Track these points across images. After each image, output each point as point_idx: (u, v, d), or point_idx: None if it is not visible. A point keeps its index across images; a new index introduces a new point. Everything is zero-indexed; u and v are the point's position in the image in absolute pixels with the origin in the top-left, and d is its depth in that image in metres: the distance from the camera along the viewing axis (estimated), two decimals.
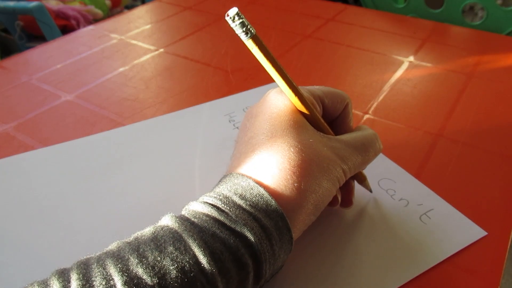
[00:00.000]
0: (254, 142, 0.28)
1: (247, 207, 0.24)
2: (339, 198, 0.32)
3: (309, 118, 0.29)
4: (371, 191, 0.36)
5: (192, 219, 0.24)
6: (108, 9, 1.48)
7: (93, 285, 0.20)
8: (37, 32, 1.25)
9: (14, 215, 0.35)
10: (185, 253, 0.22)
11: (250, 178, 0.26)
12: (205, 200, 0.25)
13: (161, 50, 0.61)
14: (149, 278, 0.21)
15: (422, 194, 0.37)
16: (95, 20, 1.38)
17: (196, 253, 0.22)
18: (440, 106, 0.49)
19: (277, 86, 0.28)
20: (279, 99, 0.29)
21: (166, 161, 0.40)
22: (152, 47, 0.62)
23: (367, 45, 0.62)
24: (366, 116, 0.47)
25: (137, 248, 0.22)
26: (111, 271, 0.21)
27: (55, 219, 0.35)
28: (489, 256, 0.31)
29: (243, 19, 0.25)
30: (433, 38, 0.64)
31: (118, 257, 0.22)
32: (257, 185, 0.25)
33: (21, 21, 1.27)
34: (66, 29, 1.28)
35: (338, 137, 0.30)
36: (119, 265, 0.21)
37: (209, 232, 0.23)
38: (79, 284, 0.20)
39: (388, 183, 0.38)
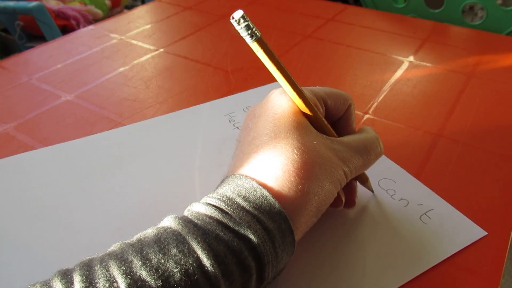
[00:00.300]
0: (257, 142, 0.27)
1: (251, 209, 0.24)
2: (343, 199, 0.32)
3: (312, 120, 0.29)
4: (373, 191, 0.36)
5: (195, 221, 0.24)
6: (108, 9, 1.48)
7: (97, 287, 0.20)
8: (37, 32, 1.25)
9: (14, 215, 0.35)
10: (188, 255, 0.22)
11: (253, 179, 0.26)
12: (208, 202, 0.25)
13: (161, 50, 0.61)
14: (153, 280, 0.21)
15: (422, 194, 0.37)
16: (95, 20, 1.38)
17: (200, 256, 0.22)
18: (440, 106, 0.49)
19: (278, 85, 0.28)
20: (282, 100, 0.29)
21: (166, 161, 0.40)
22: (152, 47, 0.62)
23: (367, 45, 0.62)
24: (366, 116, 0.47)
25: (141, 250, 0.22)
26: (114, 273, 0.21)
27: (55, 219, 0.35)
28: (489, 256, 0.31)
29: (248, 22, 0.25)
30: (433, 38, 0.64)
31: (121, 259, 0.21)
32: (260, 187, 0.25)
33: (21, 21, 1.27)
34: (66, 29, 1.28)
35: (340, 139, 0.29)
36: (122, 267, 0.21)
37: (212, 234, 0.23)
38: (82, 286, 0.20)
39: (388, 183, 0.38)
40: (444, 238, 0.33)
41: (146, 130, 0.45)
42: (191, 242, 0.22)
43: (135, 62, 0.58)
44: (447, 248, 0.32)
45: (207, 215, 0.24)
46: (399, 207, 0.35)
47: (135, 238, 0.24)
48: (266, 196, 0.25)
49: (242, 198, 0.25)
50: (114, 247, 0.23)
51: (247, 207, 0.24)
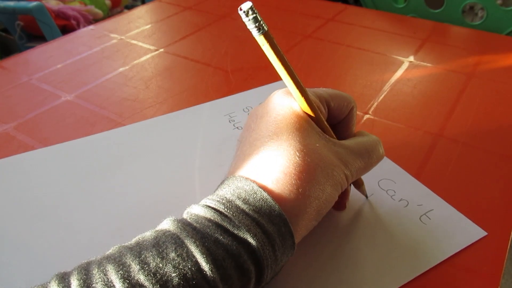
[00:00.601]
0: (259, 144, 0.27)
1: (250, 212, 0.24)
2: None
3: (314, 121, 0.28)
4: (366, 196, 0.36)
5: (194, 224, 0.24)
6: (108, 9, 1.48)
7: None
8: (37, 32, 1.25)
9: (14, 215, 0.35)
10: (187, 259, 0.22)
11: (254, 182, 0.25)
12: (207, 204, 0.25)
13: (161, 50, 0.61)
14: (151, 285, 0.20)
15: (422, 195, 0.37)
16: (95, 20, 1.38)
17: (199, 260, 0.22)
18: (440, 106, 0.49)
19: (278, 85, 0.28)
20: (285, 101, 0.29)
21: (166, 161, 0.40)
22: (152, 47, 0.62)
23: (367, 45, 0.62)
24: (366, 116, 0.47)
25: (139, 254, 0.22)
26: (112, 277, 0.21)
27: (55, 219, 0.35)
28: (489, 256, 0.31)
29: (257, 14, 0.24)
30: (433, 38, 0.64)
31: (119, 263, 0.21)
32: (260, 189, 0.25)
33: (21, 21, 1.27)
34: (66, 29, 1.28)
35: (342, 142, 0.29)
36: (120, 272, 0.21)
37: (211, 238, 0.23)
38: None
39: (388, 183, 0.38)
40: (444, 238, 0.33)
41: (146, 130, 0.45)
42: (190, 246, 0.22)
43: (135, 62, 0.58)
44: (447, 249, 0.32)
45: (206, 218, 0.24)
46: (399, 208, 0.35)
47: (133, 241, 0.23)
48: (266, 199, 0.25)
49: (242, 201, 0.24)
50: (113, 250, 0.23)
51: (247, 210, 0.24)
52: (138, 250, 0.22)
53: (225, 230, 0.23)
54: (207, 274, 0.21)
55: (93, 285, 0.20)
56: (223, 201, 0.25)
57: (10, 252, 0.32)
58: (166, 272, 0.21)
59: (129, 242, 0.23)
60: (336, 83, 0.54)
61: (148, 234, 0.24)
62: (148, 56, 0.60)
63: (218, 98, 0.50)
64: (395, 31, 0.66)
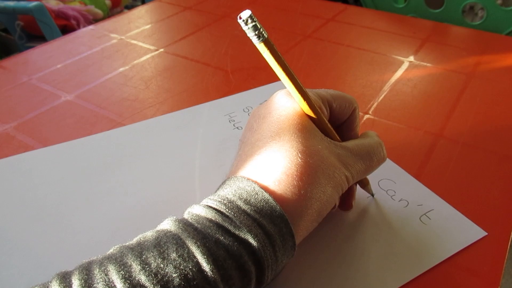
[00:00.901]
0: (261, 144, 0.27)
1: (252, 213, 0.24)
2: (337, 203, 0.32)
3: (316, 122, 0.28)
4: (373, 195, 0.36)
5: (195, 225, 0.24)
6: (108, 9, 1.48)
7: None
8: (37, 32, 1.24)
9: (14, 215, 0.35)
10: (188, 260, 0.22)
11: (255, 182, 0.25)
12: (208, 204, 0.25)
13: (161, 50, 0.61)
14: (152, 285, 0.20)
15: (422, 195, 0.37)
16: (95, 20, 1.38)
17: (200, 261, 0.22)
18: (440, 106, 0.49)
19: (278, 85, 0.28)
20: (288, 102, 0.29)
21: (166, 161, 0.40)
22: (152, 47, 0.62)
23: (367, 45, 0.62)
24: (366, 116, 0.47)
25: (140, 254, 0.22)
26: (113, 277, 0.21)
27: (55, 219, 0.35)
28: (489, 256, 0.31)
29: (256, 22, 0.25)
30: (433, 38, 0.64)
31: (120, 263, 0.21)
32: (262, 190, 0.25)
33: (21, 21, 1.27)
34: (66, 29, 1.28)
35: (344, 143, 0.29)
36: (121, 272, 0.21)
37: (212, 238, 0.23)
38: None
39: (388, 183, 0.38)
40: (444, 238, 0.33)
41: (146, 130, 0.45)
42: (191, 247, 0.22)
43: (135, 62, 0.58)
44: (447, 249, 0.32)
45: (207, 218, 0.24)
46: (399, 208, 0.35)
47: (134, 241, 0.23)
48: (268, 200, 0.25)
49: (243, 201, 0.24)
50: (114, 250, 0.23)
51: (248, 211, 0.24)
52: (139, 250, 0.22)
53: (226, 231, 0.23)
54: (208, 275, 0.22)
55: (94, 285, 0.20)
56: (224, 202, 0.25)
57: (10, 252, 0.32)
58: (167, 272, 0.21)
59: (130, 242, 0.23)
60: (336, 83, 0.54)
61: (149, 234, 0.24)
62: (148, 56, 0.60)
63: (218, 98, 0.50)
64: (395, 31, 0.66)
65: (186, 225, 0.24)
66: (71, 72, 0.56)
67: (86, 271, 0.21)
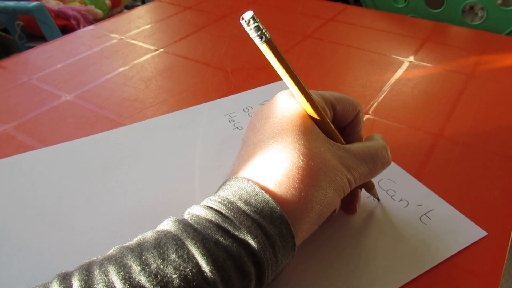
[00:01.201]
0: (263, 145, 0.27)
1: (252, 214, 0.24)
2: (337, 207, 0.32)
3: (319, 124, 0.28)
4: (378, 199, 0.36)
5: (195, 225, 0.24)
6: (108, 9, 1.48)
7: None
8: (37, 32, 1.24)
9: (14, 215, 0.35)
10: (188, 261, 0.22)
11: (256, 183, 0.25)
12: (208, 205, 0.25)
13: (161, 50, 0.61)
14: (152, 286, 0.20)
15: (422, 195, 0.37)
16: (95, 20, 1.38)
17: (199, 262, 0.22)
18: (440, 106, 0.49)
19: (279, 85, 0.28)
20: (291, 102, 0.28)
21: (166, 161, 0.40)
22: (152, 47, 0.62)
23: (367, 45, 0.62)
24: (366, 116, 0.47)
25: (140, 255, 0.22)
26: (113, 278, 0.21)
27: (55, 219, 0.35)
28: (489, 256, 0.31)
29: (258, 23, 0.25)
30: (433, 38, 0.64)
31: (120, 263, 0.21)
32: (262, 191, 0.25)
33: (21, 21, 1.27)
34: (66, 29, 1.28)
35: (347, 146, 0.29)
36: (121, 273, 0.21)
37: (212, 239, 0.23)
38: None
39: (388, 183, 0.38)
40: (444, 238, 0.33)
41: (146, 130, 0.45)
42: (191, 247, 0.22)
43: (135, 62, 0.58)
44: (447, 249, 0.32)
45: (207, 219, 0.24)
46: (399, 208, 0.35)
47: (134, 241, 0.23)
48: (268, 201, 0.24)
49: (243, 202, 0.24)
50: (114, 250, 0.23)
51: (248, 211, 0.24)
52: (139, 251, 0.22)
53: (225, 232, 0.23)
54: (207, 276, 0.22)
55: (94, 286, 0.20)
56: (224, 202, 0.25)
57: (10, 252, 0.32)
58: (167, 273, 0.21)
59: (130, 243, 0.23)
60: (336, 83, 0.54)
61: (149, 234, 0.24)
62: (148, 56, 0.60)
63: (218, 98, 0.50)
64: (395, 31, 0.66)
65: (186, 225, 0.24)
66: (71, 72, 0.56)
67: (86, 272, 0.21)
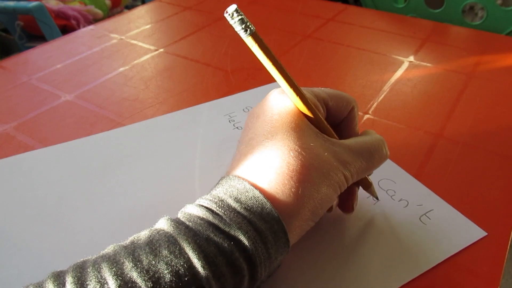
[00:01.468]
0: (254, 143, 0.27)
1: (242, 210, 0.24)
2: (334, 204, 0.32)
3: (312, 120, 0.28)
4: (377, 198, 0.35)
5: (187, 223, 0.24)
6: (108, 9, 1.48)
7: None
8: (37, 32, 1.24)
9: (14, 215, 0.35)
10: (179, 257, 0.22)
11: (245, 180, 0.25)
12: (200, 203, 0.25)
13: (161, 50, 0.61)
14: (143, 282, 0.21)
15: (422, 195, 0.37)
16: (95, 20, 1.38)
17: (191, 257, 0.22)
18: (440, 106, 0.49)
19: (278, 86, 0.28)
20: (281, 100, 0.28)
21: (166, 161, 0.40)
22: (152, 47, 0.62)
23: (367, 45, 0.62)
24: (366, 116, 0.47)
25: (133, 252, 0.22)
26: (105, 274, 0.21)
27: (55, 219, 0.35)
28: (489, 256, 0.31)
29: (242, 16, 0.25)
30: (433, 38, 0.64)
31: (113, 261, 0.22)
32: (252, 187, 0.25)
33: (21, 21, 1.27)
34: (66, 29, 1.28)
35: (342, 141, 0.29)
36: (114, 269, 0.21)
37: (203, 235, 0.23)
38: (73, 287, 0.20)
39: (388, 183, 0.38)
40: (444, 238, 0.33)
41: (146, 130, 0.45)
42: (182, 243, 0.22)
43: (135, 62, 0.58)
44: (447, 249, 0.32)
45: (199, 217, 0.24)
46: (399, 208, 0.35)
47: (128, 240, 0.24)
48: (258, 197, 0.25)
49: (234, 199, 0.25)
50: (108, 249, 0.23)
51: (238, 208, 0.24)
52: (132, 248, 0.22)
53: (216, 228, 0.23)
54: (199, 271, 0.22)
55: (87, 282, 0.21)
56: (215, 200, 0.25)
57: (10, 252, 0.32)
58: (159, 269, 0.21)
59: (124, 241, 0.24)
60: (336, 83, 0.54)
61: (143, 233, 0.24)
62: (148, 56, 0.60)
63: (218, 98, 0.50)
64: (395, 31, 0.66)
65: (178, 223, 0.24)
66: (71, 72, 0.56)
67: (80, 269, 0.21)
